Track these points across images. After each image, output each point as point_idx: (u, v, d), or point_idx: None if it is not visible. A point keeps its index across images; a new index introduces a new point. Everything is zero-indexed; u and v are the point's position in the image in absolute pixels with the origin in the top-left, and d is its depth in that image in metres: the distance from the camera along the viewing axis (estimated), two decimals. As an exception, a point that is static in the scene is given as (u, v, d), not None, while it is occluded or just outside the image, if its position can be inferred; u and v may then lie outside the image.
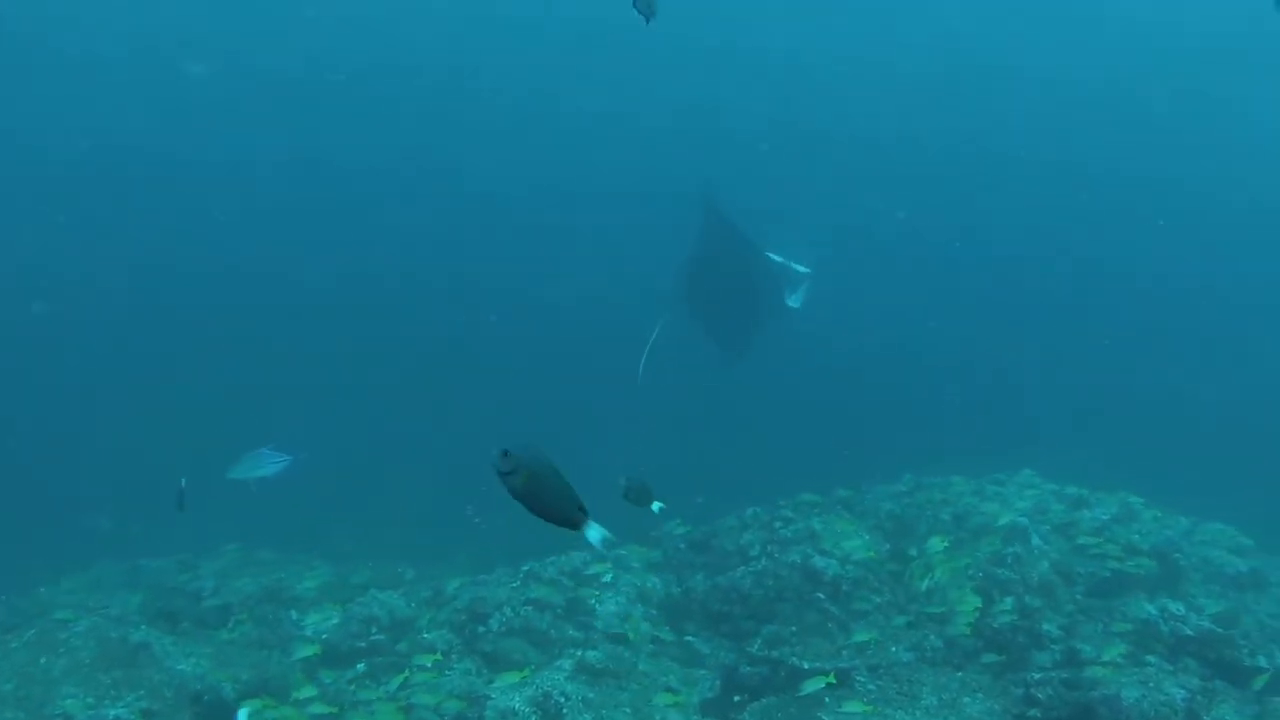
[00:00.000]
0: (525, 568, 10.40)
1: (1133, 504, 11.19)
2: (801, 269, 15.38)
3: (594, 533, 3.63)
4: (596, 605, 9.84)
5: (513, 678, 8.36)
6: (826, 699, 8.06)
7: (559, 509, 3.59)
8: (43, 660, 8.57)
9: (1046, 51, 32.93)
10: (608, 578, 10.28)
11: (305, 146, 30.16)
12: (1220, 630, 8.85)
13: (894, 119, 31.38)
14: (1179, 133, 31.57)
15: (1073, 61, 32.48)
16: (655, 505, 6.08)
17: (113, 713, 7.98)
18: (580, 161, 31.05)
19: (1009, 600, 9.16)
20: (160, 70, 30.68)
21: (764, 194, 24.17)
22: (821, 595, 9.51)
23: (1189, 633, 8.77)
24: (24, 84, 30.05)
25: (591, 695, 8.37)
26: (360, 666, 9.24)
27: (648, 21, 5.92)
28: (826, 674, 8.07)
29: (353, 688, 8.76)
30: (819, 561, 9.76)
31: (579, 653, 8.95)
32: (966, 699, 8.16)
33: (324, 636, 9.61)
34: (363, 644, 9.57)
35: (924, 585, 9.53)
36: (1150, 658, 8.55)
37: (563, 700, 8.20)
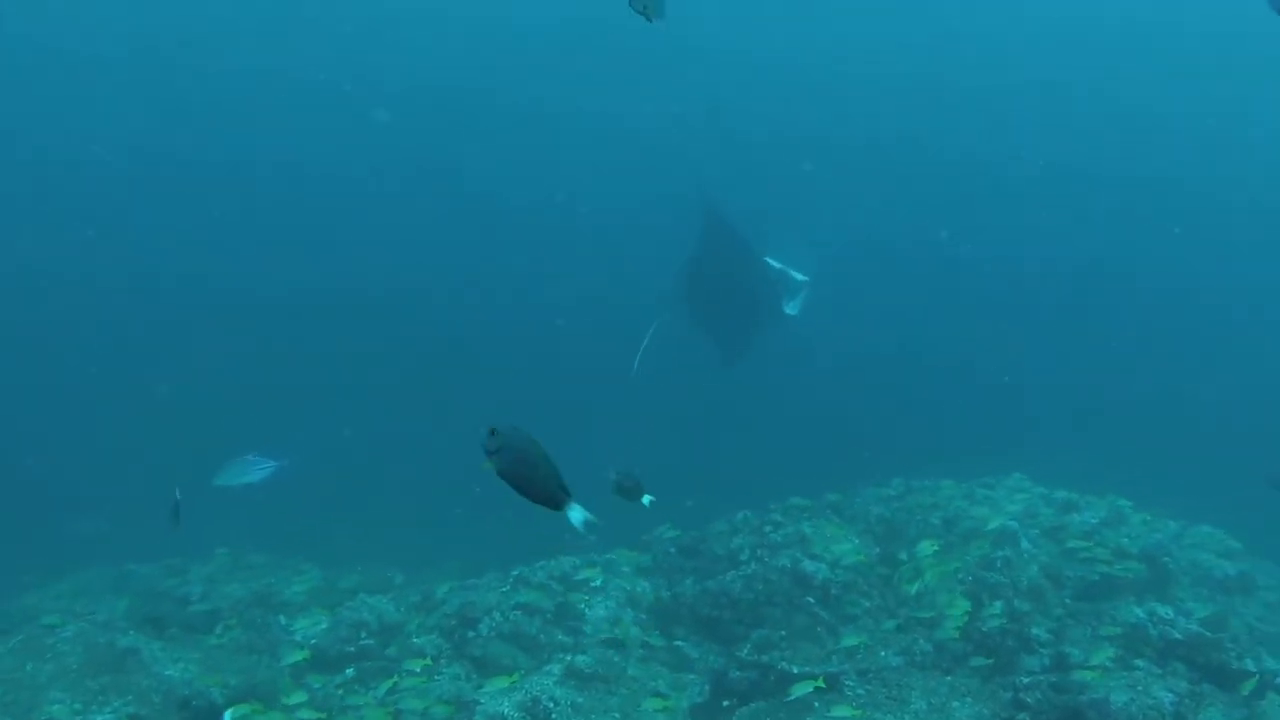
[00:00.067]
0: (515, 572, 10.38)
1: (1122, 507, 11.20)
2: (800, 276, 15.40)
3: (576, 514, 3.69)
4: (586, 610, 9.84)
5: (502, 682, 8.36)
6: (816, 703, 8.05)
7: (543, 488, 3.66)
8: (29, 666, 8.54)
9: (1041, 53, 33.04)
10: (597, 582, 10.27)
11: (304, 148, 30.15)
12: (1209, 634, 8.85)
13: (893, 120, 31.44)
14: (1175, 134, 31.66)
15: (1068, 63, 32.60)
16: (646, 498, 6.07)
17: (100, 719, 7.96)
18: (580, 163, 31.07)
19: (998, 604, 9.16)
20: (159, 69, 30.70)
21: (769, 197, 24.24)
22: (811, 599, 9.51)
23: (1177, 636, 8.77)
24: (21, 84, 30.08)
25: (580, 700, 8.36)
26: (349, 671, 9.23)
27: (649, 20, 5.88)
28: (815, 678, 8.06)
29: (341, 693, 8.75)
30: (809, 565, 9.76)
31: (568, 658, 8.95)
32: (955, 703, 8.16)
33: (313, 641, 9.58)
34: (352, 649, 9.55)
35: (913, 589, 9.53)
36: (1139, 661, 8.55)
37: (551, 705, 8.19)
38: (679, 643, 9.61)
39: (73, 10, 30.53)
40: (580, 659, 8.89)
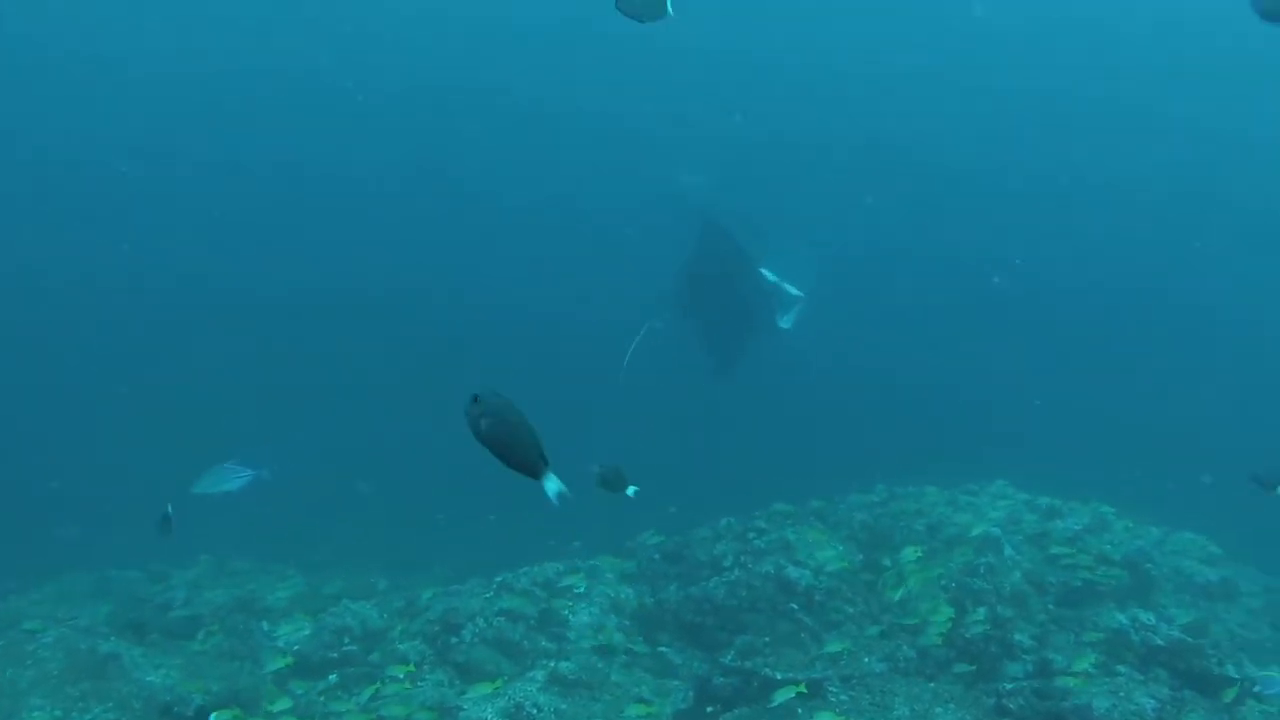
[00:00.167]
0: (498, 578, 10.37)
1: (1105, 514, 11.25)
2: (794, 291, 15.44)
3: (551, 484, 3.72)
4: (570, 616, 9.83)
5: (485, 689, 8.33)
6: (799, 709, 8.05)
7: (523, 455, 3.68)
8: (9, 672, 8.49)
9: (1028, 60, 33.18)
10: (581, 588, 10.26)
11: (301, 149, 30.13)
12: (1190, 640, 8.88)
13: (887, 129, 31.50)
14: (1163, 144, 31.78)
15: (1054, 68, 32.76)
16: (630, 489, 6.06)
17: (80, 725, 7.92)
18: (578, 164, 31.10)
19: (982, 610, 9.18)
20: (158, 70, 30.66)
21: (765, 201, 24.30)
22: (795, 606, 9.52)
23: (1160, 642, 8.80)
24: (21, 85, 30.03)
25: (564, 706, 8.35)
26: (332, 677, 9.20)
27: (641, 22, 5.84)
28: (798, 684, 8.07)
29: (324, 699, 8.72)
30: (792, 572, 9.77)
31: (552, 664, 8.94)
32: (939, 709, 8.17)
33: (296, 647, 9.55)
34: (335, 655, 9.53)
35: (897, 595, 9.54)
36: (1121, 667, 8.58)
37: (535, 712, 8.18)
38: (663, 649, 9.60)
39: (72, 13, 30.47)
40: (564, 665, 8.89)
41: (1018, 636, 8.98)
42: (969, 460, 13.02)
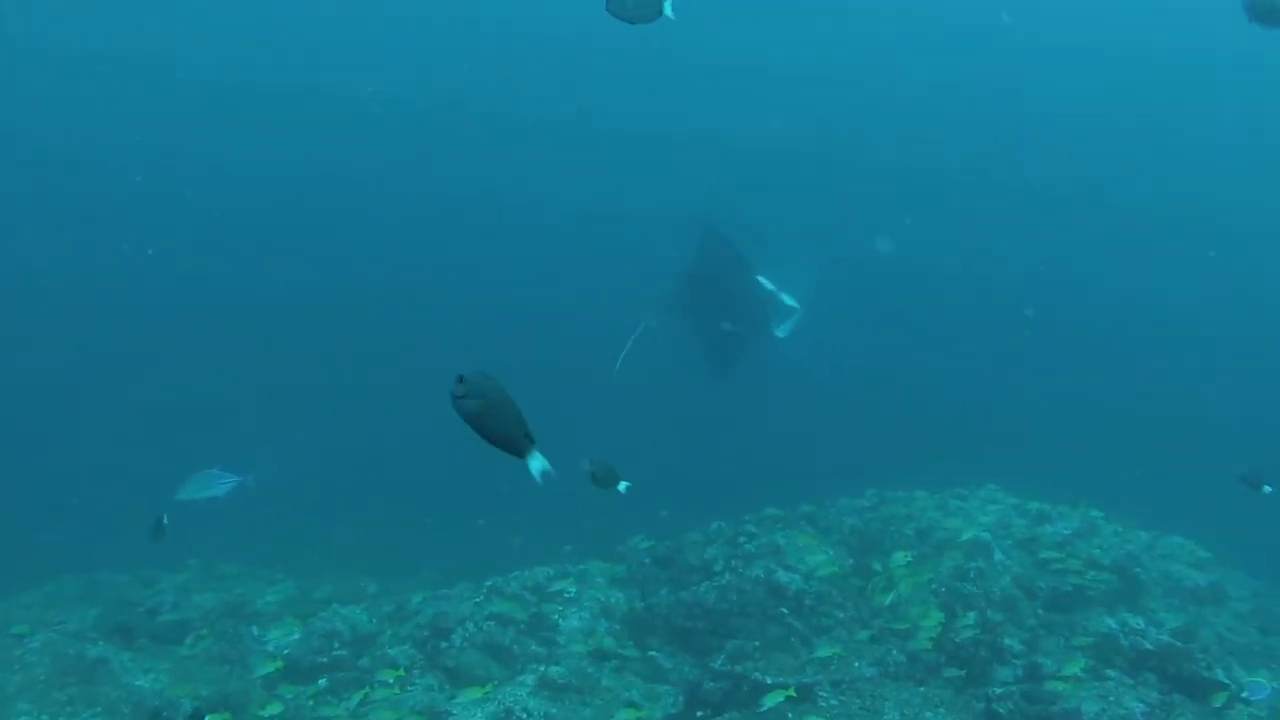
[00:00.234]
0: (488, 583, 10.37)
1: (1094, 518, 11.26)
2: (791, 302, 15.47)
3: (536, 462, 3.72)
4: (560, 620, 9.83)
5: (475, 693, 8.33)
6: (789, 713, 8.06)
7: (508, 432, 3.69)
8: (-3, 677, 8.46)
9: (1007, 68, 33.35)
10: (571, 593, 10.27)
11: (296, 151, 30.14)
12: (1180, 644, 8.91)
13: (879, 140, 31.61)
14: (1145, 149, 31.91)
15: (1033, 79, 32.94)
16: (622, 485, 6.05)
17: (68, 730, 7.89)
18: (574, 167, 31.15)
19: (971, 615, 9.20)
20: (156, 72, 30.68)
21: (778, 213, 24.33)
22: (785, 610, 9.52)
23: (1149, 647, 8.82)
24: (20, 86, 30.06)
25: (554, 711, 8.35)
26: (322, 682, 9.17)
27: (632, 24, 5.81)
28: (787, 688, 8.07)
29: (313, 703, 8.70)
30: (783, 576, 9.77)
31: (542, 668, 8.93)
32: (929, 714, 8.18)
33: (285, 652, 9.54)
34: (324, 659, 9.50)
35: (887, 600, 9.55)
36: (1110, 672, 8.60)
37: (525, 716, 8.18)
38: (653, 653, 9.60)
39: (72, 16, 30.49)
40: (554, 670, 8.88)
41: (1007, 641, 9.00)
42: (959, 464, 13.03)
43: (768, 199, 27.10)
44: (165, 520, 8.36)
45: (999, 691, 8.23)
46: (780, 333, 15.46)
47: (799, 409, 18.70)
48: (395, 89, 32.16)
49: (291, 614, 10.34)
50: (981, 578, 9.61)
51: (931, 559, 10.07)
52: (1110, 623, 9.14)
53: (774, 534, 10.59)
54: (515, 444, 3.69)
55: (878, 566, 10.06)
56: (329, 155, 30.41)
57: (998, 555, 10.02)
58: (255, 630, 10.05)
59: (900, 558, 9.84)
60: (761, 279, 15.39)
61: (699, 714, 8.56)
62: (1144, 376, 21.73)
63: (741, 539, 10.70)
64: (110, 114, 30.03)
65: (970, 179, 30.71)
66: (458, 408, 3.64)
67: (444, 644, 9.43)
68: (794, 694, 8.03)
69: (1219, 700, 8.15)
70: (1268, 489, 7.55)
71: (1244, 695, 8.10)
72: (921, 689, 8.58)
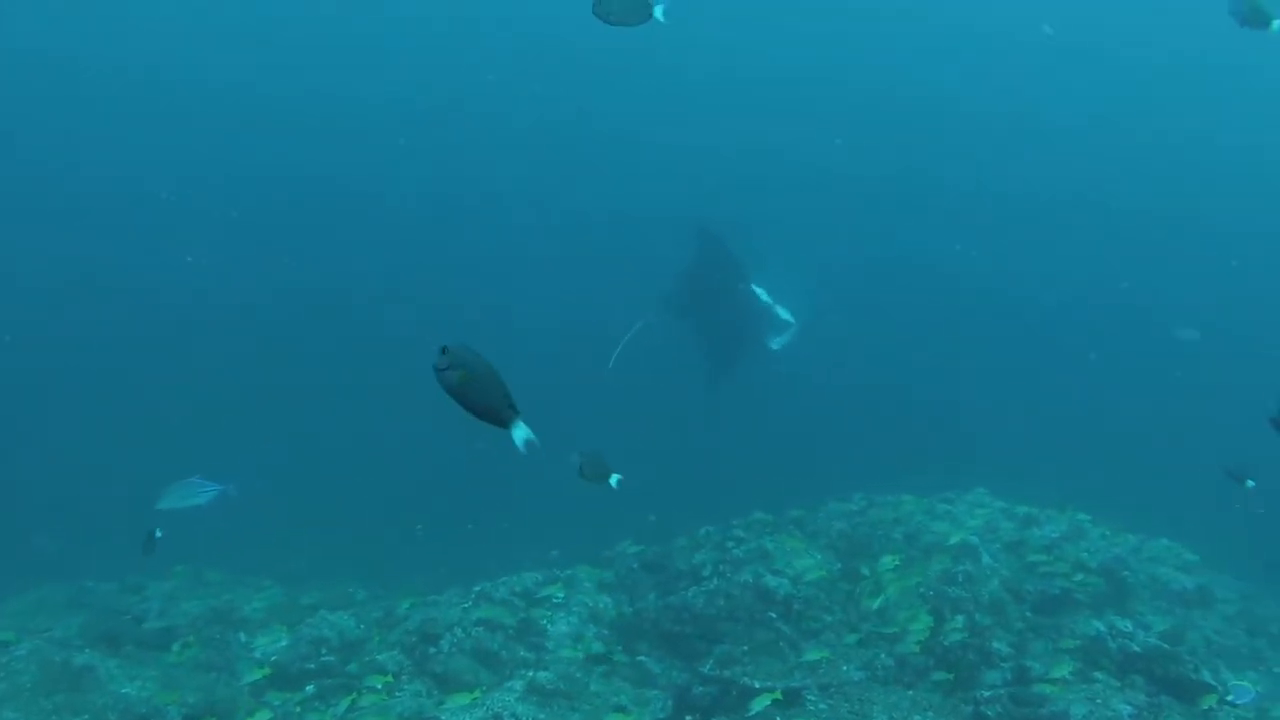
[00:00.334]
0: (477, 588, 10.35)
1: (1081, 522, 11.29)
2: (786, 316, 15.50)
3: (520, 432, 3.72)
4: (548, 626, 9.82)
5: (463, 699, 8.32)
6: (778, 718, 8.06)
7: (491, 405, 3.70)
8: (-18, 684, 8.42)
9: (997, 83, 33.52)
10: (559, 598, 10.26)
11: (288, 154, 30.13)
12: (1167, 647, 8.94)
13: (878, 141, 31.66)
14: (1133, 157, 32.01)
15: (1025, 92, 33.12)
16: (613, 478, 6.03)
17: (54, 737, 7.86)
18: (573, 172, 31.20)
19: (960, 618, 9.21)
20: (150, 74, 30.69)
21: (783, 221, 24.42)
22: (773, 614, 9.53)
23: (1136, 649, 8.85)
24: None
25: (542, 716, 8.33)
26: (310, 688, 9.14)
27: (612, 25, 5.77)
28: (772, 691, 8.08)
29: (300, 710, 8.68)
30: (771, 581, 9.78)
31: (530, 673, 8.92)
32: (917, 717, 8.17)
33: (273, 658, 9.51)
34: (312, 665, 9.47)
35: (875, 604, 9.56)
36: (1098, 674, 8.62)
37: (513, 721, 8.17)
38: (642, 658, 9.59)
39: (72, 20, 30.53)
40: (542, 675, 8.87)
41: (995, 644, 9.02)
42: (948, 468, 13.06)
43: (766, 200, 27.20)
44: (158, 533, 8.33)
45: (987, 694, 8.24)
46: (775, 345, 15.49)
47: (787, 413, 18.72)
48: (394, 90, 32.20)
49: (279, 620, 10.31)
50: (969, 581, 9.63)
51: (919, 563, 10.09)
52: (1098, 625, 9.16)
53: (762, 538, 10.60)
54: (498, 414, 3.70)
55: (866, 570, 10.09)
56: (321, 157, 30.38)
57: (985, 559, 10.04)
58: (243, 637, 10.03)
59: (888, 561, 9.87)
60: (757, 289, 15.43)
61: (688, 718, 8.56)
62: (1131, 380, 21.78)
63: (730, 544, 10.70)
64: (94, 115, 30.03)
65: (963, 183, 30.77)
66: (440, 379, 3.66)
67: (432, 650, 9.41)
68: (780, 697, 8.03)
69: (1207, 702, 8.17)
70: (1251, 483, 7.58)
71: (1229, 699, 8.12)
72: (910, 692, 8.58)
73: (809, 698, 8.42)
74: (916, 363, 22.06)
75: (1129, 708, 7.93)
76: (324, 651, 9.62)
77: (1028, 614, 9.56)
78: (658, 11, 5.56)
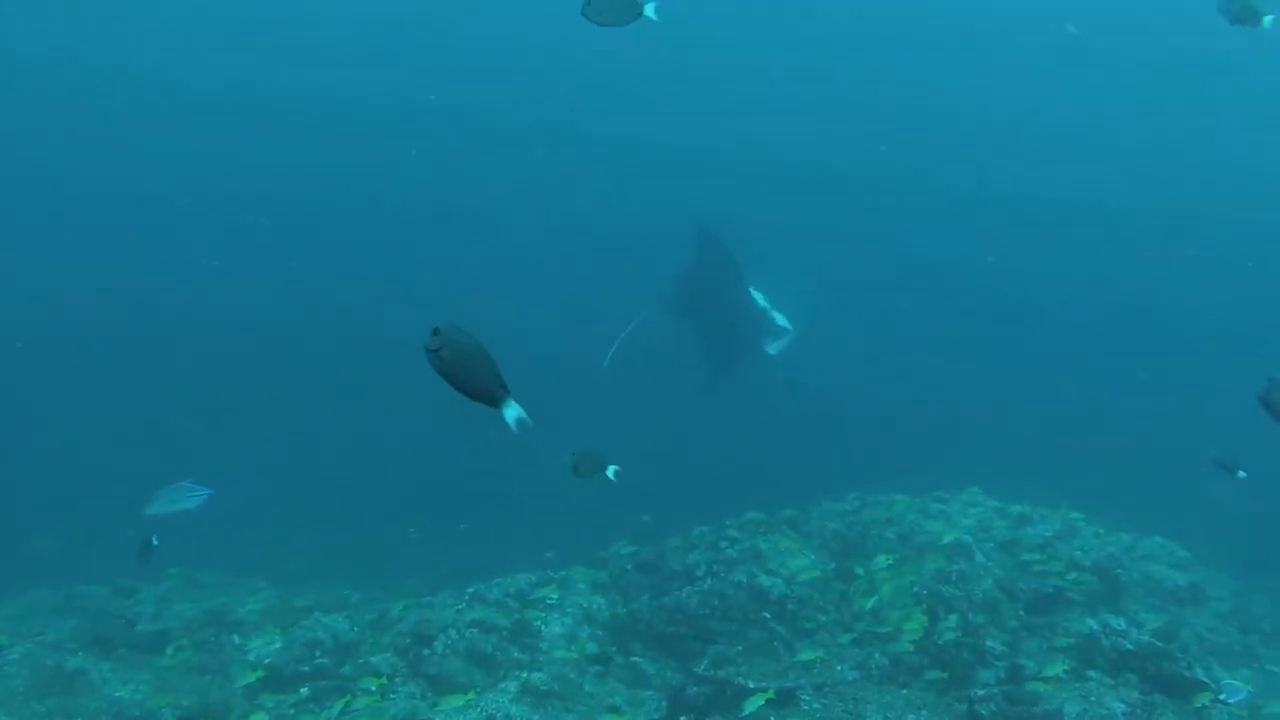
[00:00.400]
0: (470, 590, 10.34)
1: (1075, 520, 11.29)
2: (783, 322, 15.51)
3: (511, 411, 3.73)
4: (542, 627, 9.81)
5: (457, 700, 8.31)
6: (772, 717, 8.06)
7: (482, 383, 3.72)
8: (-25, 689, 8.40)
9: (967, 79, 33.64)
10: (554, 599, 10.25)
11: (283, 157, 30.15)
12: (1160, 644, 8.94)
13: (874, 143, 31.70)
14: (1121, 157, 32.07)
15: (1011, 93, 33.21)
16: (610, 470, 6.01)
17: (47, 741, 7.85)
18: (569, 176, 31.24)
19: (953, 617, 9.21)
20: (150, 75, 30.74)
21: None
22: (767, 614, 9.53)
23: (1130, 647, 8.85)
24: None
25: (536, 717, 8.33)
26: (304, 691, 9.14)
27: (604, 26, 5.76)
28: (765, 691, 8.08)
29: (294, 712, 8.67)
30: (765, 581, 9.78)
31: (524, 675, 8.91)
32: (911, 716, 8.19)
33: (267, 661, 9.49)
34: (306, 668, 9.46)
35: (869, 603, 9.56)
36: (1092, 673, 8.63)
37: (507, 723, 8.16)
38: (636, 659, 9.59)
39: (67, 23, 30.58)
40: (536, 676, 8.86)
41: (989, 643, 9.02)
42: (942, 468, 13.05)
43: (765, 201, 27.25)
44: (154, 541, 8.32)
45: (981, 693, 8.24)
46: (771, 350, 15.50)
47: (781, 413, 18.72)
48: (394, 91, 32.22)
49: (273, 623, 10.30)
50: (963, 580, 9.62)
51: (913, 562, 10.09)
52: (1091, 624, 9.17)
53: (756, 538, 10.59)
54: (490, 394, 3.71)
55: (860, 570, 10.09)
56: (320, 158, 30.40)
57: (979, 558, 10.04)
58: (237, 639, 10.03)
59: (882, 561, 9.86)
60: (755, 294, 15.45)
61: (682, 719, 8.56)
62: (1123, 379, 21.80)
63: (724, 544, 10.69)
64: (94, 114, 30.08)
65: (956, 182, 30.82)
66: (432, 360, 3.67)
67: (426, 651, 9.41)
68: (772, 696, 8.03)
69: (1200, 700, 8.18)
70: (1242, 474, 7.59)
71: (1221, 697, 8.14)
72: (904, 691, 8.59)
73: (803, 697, 8.42)
74: (909, 362, 22.06)
75: (1123, 705, 7.94)
76: (318, 654, 9.61)
77: (1021, 612, 9.55)
78: (649, 9, 5.55)
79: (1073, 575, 9.87)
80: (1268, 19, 6.64)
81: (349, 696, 8.66)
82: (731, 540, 10.72)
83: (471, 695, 8.44)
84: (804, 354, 16.11)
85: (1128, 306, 26.05)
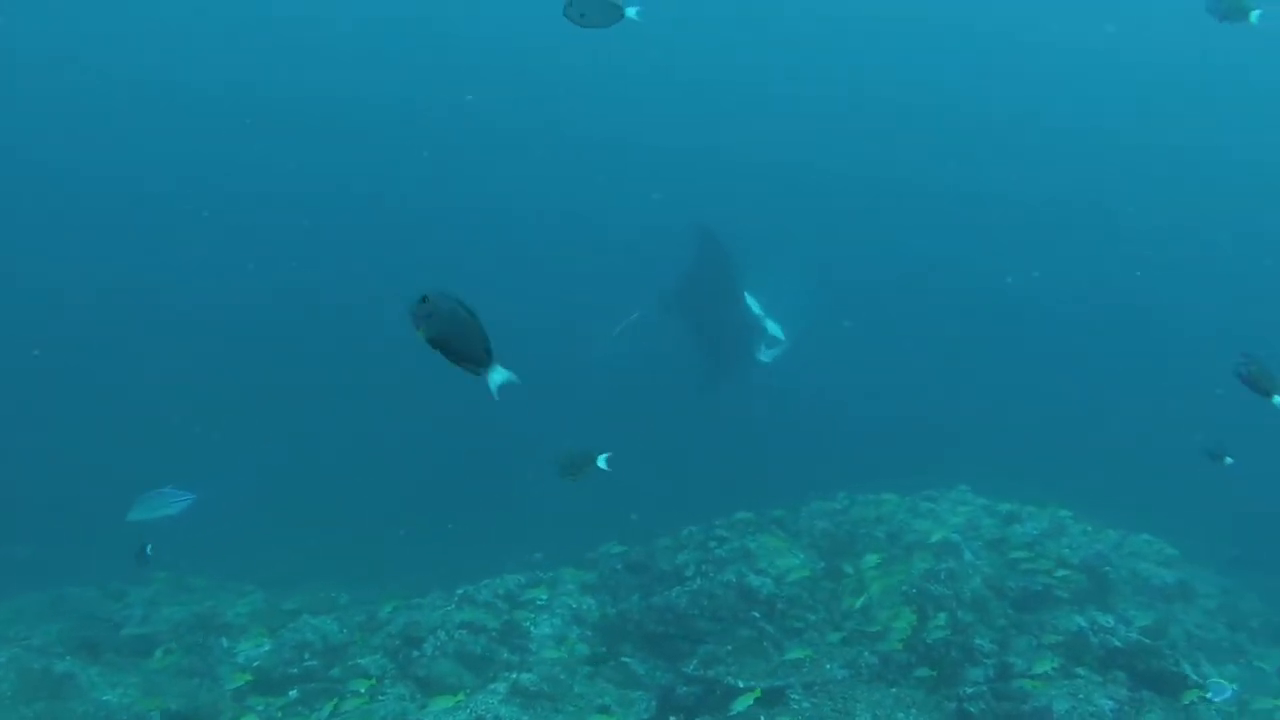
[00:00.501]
0: (460, 591, 10.33)
1: (1063, 518, 11.31)
2: (777, 331, 15.52)
3: (497, 375, 3.74)
4: (531, 628, 9.80)
5: (446, 702, 8.30)
6: (761, 717, 8.07)
7: (469, 349, 3.72)
8: (-39, 693, 8.36)
9: (976, 80, 33.69)
10: (543, 599, 10.24)
11: (278, 159, 30.12)
12: (1148, 641, 8.96)
13: (872, 144, 31.77)
14: (1107, 157, 32.18)
15: (1004, 94, 33.32)
16: (601, 458, 5.99)
17: (34, 746, 7.81)
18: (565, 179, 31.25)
19: (942, 615, 9.22)
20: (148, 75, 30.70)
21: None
22: (757, 614, 9.53)
23: (1118, 644, 8.87)
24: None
25: (526, 718, 8.32)
26: (293, 693, 9.11)
27: (586, 27, 5.77)
28: (753, 690, 8.09)
29: (283, 715, 8.64)
30: (754, 580, 9.78)
31: (514, 675, 8.90)
32: (900, 714, 8.20)
33: (256, 664, 9.47)
34: (295, 670, 9.44)
35: (858, 602, 9.57)
36: (1080, 670, 8.64)
37: (497, 724, 8.15)
38: (626, 659, 9.58)
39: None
40: (525, 677, 8.85)
41: (978, 641, 9.03)
42: (931, 466, 13.07)
43: (764, 201, 27.31)
44: (149, 549, 8.29)
45: (970, 691, 8.27)
46: (765, 358, 15.52)
47: (769, 412, 18.73)
48: (393, 92, 32.22)
49: (262, 625, 10.27)
50: (952, 579, 9.64)
51: (902, 561, 10.11)
52: (1080, 621, 9.18)
53: (745, 538, 10.59)
54: (476, 360, 3.73)
55: (849, 569, 10.09)
56: (319, 159, 30.38)
57: (968, 556, 10.06)
58: (225, 642, 9.98)
59: (871, 560, 9.88)
60: (750, 301, 15.47)
61: (672, 718, 8.56)
62: (1112, 378, 21.88)
63: (712, 543, 10.68)
64: (92, 115, 30.06)
65: (949, 183, 30.91)
66: (418, 328, 3.67)
67: (415, 653, 9.39)
68: (760, 695, 8.04)
69: (1188, 697, 8.21)
70: (1229, 460, 7.62)
71: (1208, 696, 8.16)
72: (893, 690, 8.61)
73: (793, 696, 8.43)
74: (898, 361, 22.10)
75: (1111, 703, 7.97)
76: (307, 656, 9.59)
77: (1010, 610, 9.56)
78: (630, 11, 5.55)
79: (1061, 573, 9.89)
80: (1254, 13, 6.67)
81: (338, 699, 8.64)
82: (720, 540, 10.71)
83: (461, 697, 8.43)
84: (799, 356, 16.11)
85: (1126, 306, 26.12)
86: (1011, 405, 20.19)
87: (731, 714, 7.97)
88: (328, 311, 23.32)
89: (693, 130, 32.16)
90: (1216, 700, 8.11)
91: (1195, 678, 8.47)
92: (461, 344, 3.69)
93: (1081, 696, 8.03)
